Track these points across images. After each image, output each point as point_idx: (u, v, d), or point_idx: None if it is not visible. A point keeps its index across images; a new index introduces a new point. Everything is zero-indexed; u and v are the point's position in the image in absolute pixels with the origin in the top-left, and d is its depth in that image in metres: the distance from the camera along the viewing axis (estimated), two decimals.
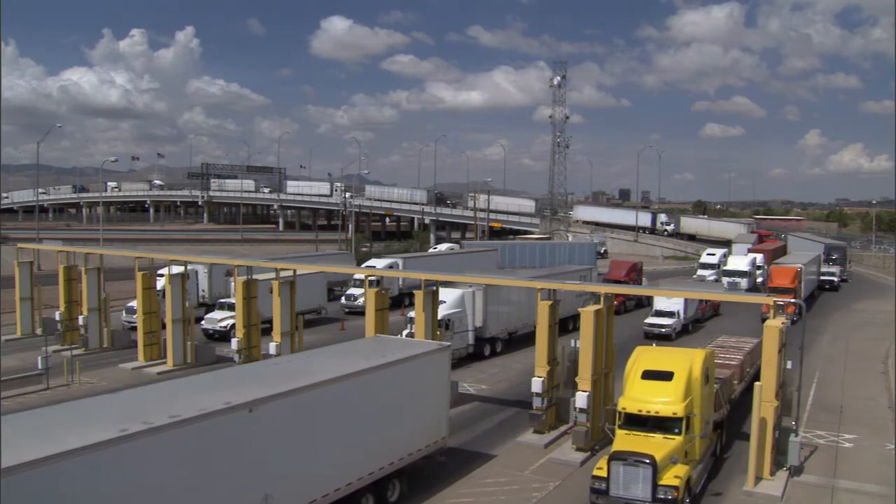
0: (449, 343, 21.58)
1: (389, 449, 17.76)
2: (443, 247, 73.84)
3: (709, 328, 44.63)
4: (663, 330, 40.30)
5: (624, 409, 18.26)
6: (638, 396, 18.27)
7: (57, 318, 36.53)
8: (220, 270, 44.96)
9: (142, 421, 12.53)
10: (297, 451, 15.06)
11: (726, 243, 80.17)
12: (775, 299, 21.25)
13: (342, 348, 21.34)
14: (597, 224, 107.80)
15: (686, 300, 40.86)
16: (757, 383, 19.95)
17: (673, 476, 16.82)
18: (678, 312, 41.25)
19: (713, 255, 66.86)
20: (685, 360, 18.87)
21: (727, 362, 25.05)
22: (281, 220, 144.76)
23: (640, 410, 18.01)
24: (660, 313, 41.44)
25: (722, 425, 21.61)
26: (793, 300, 27.68)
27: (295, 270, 31.24)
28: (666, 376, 18.36)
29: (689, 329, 42.57)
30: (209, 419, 13.32)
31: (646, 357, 19.63)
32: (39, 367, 28.96)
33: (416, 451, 18.70)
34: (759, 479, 19.68)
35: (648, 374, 18.67)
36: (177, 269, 34.69)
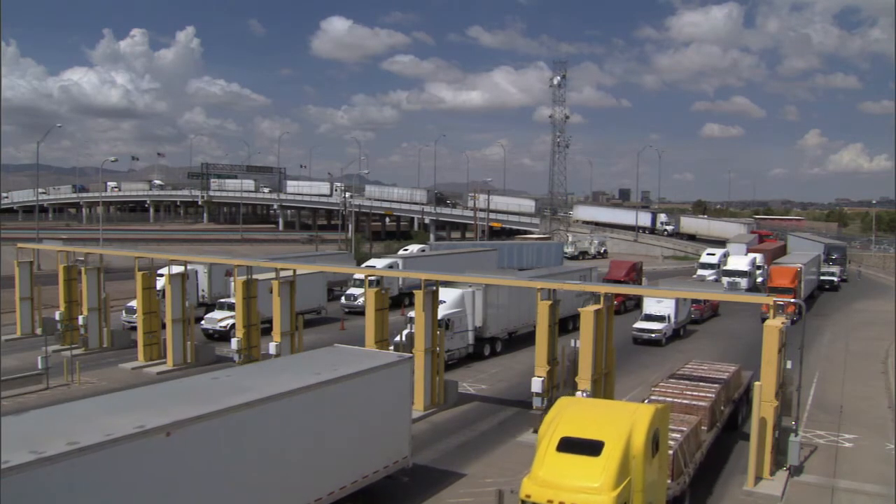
0: (410, 355, 19.83)
1: (339, 472, 16.25)
2: (413, 248, 72.93)
3: (706, 329, 44.64)
4: (653, 335, 38.49)
5: (528, 497, 12.72)
6: (549, 478, 12.81)
7: (57, 318, 36.53)
8: (220, 270, 44.96)
9: (31, 449, 10.91)
10: (225, 479, 13.56)
11: (724, 243, 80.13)
12: (775, 299, 21.24)
13: (293, 361, 20.40)
14: (597, 224, 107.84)
15: (677, 304, 39.61)
16: (757, 383, 19.92)
17: None
18: (668, 316, 39.40)
19: (713, 255, 66.90)
20: (623, 422, 13.52)
21: (694, 402, 20.37)
22: (281, 220, 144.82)
23: (550, 501, 12.48)
24: (649, 317, 39.54)
25: (683, 498, 16.61)
26: (793, 300, 27.68)
27: (295, 270, 31.25)
28: (592, 448, 12.94)
29: (680, 334, 41.12)
30: (116, 445, 11.69)
31: (569, 416, 14.03)
32: (39, 367, 28.95)
33: (372, 474, 17.24)
34: (759, 478, 19.68)
35: (567, 445, 13.22)
36: (177, 269, 34.70)
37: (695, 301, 43.72)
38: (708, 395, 21.27)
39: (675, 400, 20.41)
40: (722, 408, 21.86)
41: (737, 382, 24.49)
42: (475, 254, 60.15)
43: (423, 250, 64.02)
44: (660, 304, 39.54)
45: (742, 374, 25.52)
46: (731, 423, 23.02)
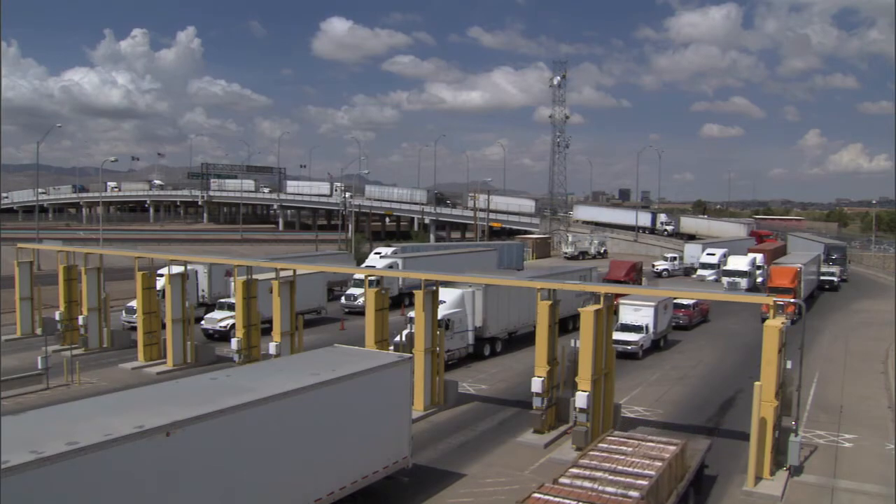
0: (410, 355, 19.70)
1: (339, 472, 16.24)
2: (387, 251, 71.65)
3: (698, 334, 44.54)
4: (629, 347, 34.38)
5: None
6: None
7: (57, 318, 36.46)
8: (220, 270, 44.98)
9: (31, 449, 10.90)
10: (225, 480, 13.61)
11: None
12: (775, 299, 21.23)
13: (293, 361, 20.48)
14: (597, 224, 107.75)
15: (656, 312, 36.45)
16: (757, 383, 19.88)
17: None
18: (646, 326, 35.89)
19: (713, 255, 66.94)
20: None
21: None
22: (281, 220, 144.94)
23: None
24: (625, 327, 35.76)
25: None
26: (793, 300, 27.67)
27: (295, 270, 31.25)
28: None
29: (660, 345, 37.48)
30: (116, 445, 11.68)
31: None
32: (39, 367, 28.93)
33: (371, 474, 17.20)
34: (758, 478, 19.68)
35: None
36: (177, 270, 34.69)
37: (681, 306, 42.29)
38: None
39: None
40: None
41: (676, 472, 16.18)
42: (474, 254, 60.09)
43: (395, 252, 62.63)
44: (637, 313, 36.20)
45: (688, 453, 17.35)
46: None
